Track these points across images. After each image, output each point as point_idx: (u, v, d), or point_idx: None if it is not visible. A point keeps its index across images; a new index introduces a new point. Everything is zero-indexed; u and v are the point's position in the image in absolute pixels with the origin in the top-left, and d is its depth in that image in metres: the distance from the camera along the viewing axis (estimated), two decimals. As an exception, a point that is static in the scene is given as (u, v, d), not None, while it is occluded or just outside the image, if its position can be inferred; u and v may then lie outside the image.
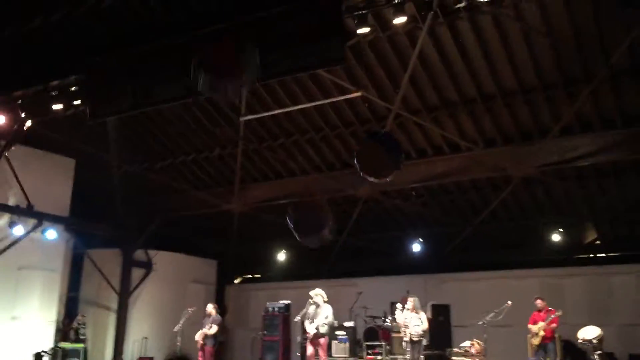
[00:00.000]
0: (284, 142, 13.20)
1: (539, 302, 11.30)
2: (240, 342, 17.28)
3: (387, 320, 13.14)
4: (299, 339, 12.83)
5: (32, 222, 13.42)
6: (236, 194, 14.46)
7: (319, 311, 10.32)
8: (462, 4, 8.20)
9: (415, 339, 10.67)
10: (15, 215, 13.08)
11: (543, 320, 10.98)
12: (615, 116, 10.57)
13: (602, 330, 11.17)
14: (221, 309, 15.11)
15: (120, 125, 12.96)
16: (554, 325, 10.94)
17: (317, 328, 10.20)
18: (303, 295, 11.06)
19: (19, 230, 13.07)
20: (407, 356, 10.68)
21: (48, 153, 13.98)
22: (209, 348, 11.90)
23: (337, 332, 12.87)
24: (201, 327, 12.10)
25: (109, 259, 15.87)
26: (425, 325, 10.79)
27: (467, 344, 11.80)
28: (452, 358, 11.94)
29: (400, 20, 8.14)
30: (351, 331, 13.17)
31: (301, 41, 7.37)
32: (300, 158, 13.58)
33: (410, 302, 11.01)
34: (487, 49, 9.92)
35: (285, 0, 7.50)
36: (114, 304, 15.68)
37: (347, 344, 12.98)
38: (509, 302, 11.03)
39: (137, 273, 16.09)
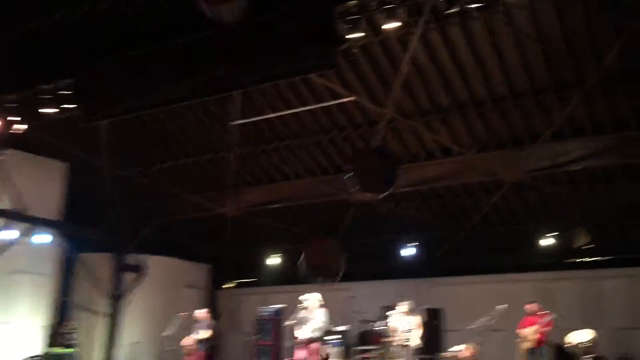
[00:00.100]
0: (277, 146, 13.22)
1: (529, 307, 11.33)
2: (232, 346, 17.24)
3: (380, 324, 13.14)
4: (291, 343, 12.81)
5: (24, 226, 13.38)
6: (229, 198, 14.46)
7: (311, 316, 10.31)
8: (454, 10, 8.27)
9: (407, 343, 10.68)
10: (7, 219, 13.04)
11: (536, 324, 11.01)
12: (606, 121, 10.65)
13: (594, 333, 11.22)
14: (214, 314, 15.07)
15: (113, 129, 12.91)
16: (548, 328, 10.96)
17: (308, 333, 10.19)
18: (296, 300, 11.04)
19: (10, 234, 13.01)
20: (400, 360, 10.69)
21: (40, 157, 13.96)
22: (201, 353, 11.88)
23: (329, 337, 12.87)
24: (193, 332, 12.06)
25: (101, 263, 15.81)
26: (418, 329, 10.80)
27: (460, 347, 11.82)
28: (442, 362, 11.97)
29: (392, 25, 8.19)
30: (344, 335, 13.17)
31: (294, 46, 7.41)
32: (294, 162, 13.59)
33: (403, 306, 11.03)
34: (479, 54, 9.98)
35: (279, 5, 7.55)
36: (105, 309, 15.61)
37: (340, 349, 12.98)
38: (504, 306, 11.06)
39: (129, 277, 16.02)
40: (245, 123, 12.34)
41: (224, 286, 19.22)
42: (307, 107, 11.71)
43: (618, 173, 12.14)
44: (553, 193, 13.17)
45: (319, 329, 10.31)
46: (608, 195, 12.79)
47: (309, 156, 13.38)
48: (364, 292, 14.73)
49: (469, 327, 11.11)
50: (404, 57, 9.77)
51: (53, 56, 9.49)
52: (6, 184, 12.73)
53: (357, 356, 12.83)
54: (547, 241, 14.28)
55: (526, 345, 11.01)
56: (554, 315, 10.97)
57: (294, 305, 10.96)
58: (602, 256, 14.52)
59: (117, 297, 15.58)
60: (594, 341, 11.11)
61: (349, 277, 16.21)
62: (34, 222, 13.48)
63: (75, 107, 9.65)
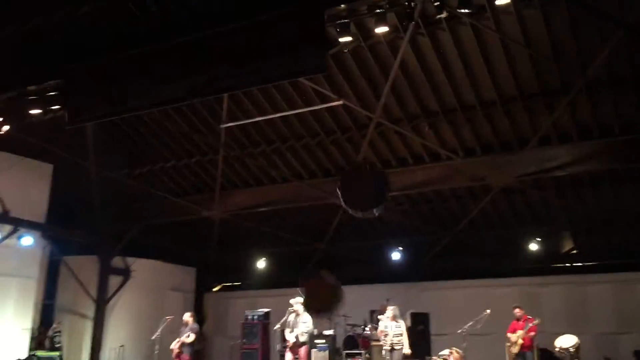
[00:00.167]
0: (265, 150, 13.18)
1: (517, 311, 11.39)
2: (219, 350, 17.16)
3: (366, 328, 13.13)
4: (278, 347, 12.75)
5: (7, 228, 13.22)
6: (216, 201, 14.39)
7: (299, 320, 10.28)
8: (443, 15, 8.29)
9: (399, 348, 10.66)
10: (-10, 221, 12.91)
11: (522, 329, 11.08)
12: (592, 127, 10.73)
13: (579, 338, 11.31)
14: (200, 317, 15.00)
15: (99, 130, 12.83)
16: (532, 333, 11.04)
17: (297, 337, 10.16)
18: (282, 303, 11.02)
19: (-6, 236, 12.88)
20: (386, 364, 10.67)
21: (25, 158, 13.77)
22: (185, 356, 11.80)
23: (316, 341, 12.82)
24: (178, 335, 12.00)
25: (86, 266, 15.68)
26: (404, 334, 10.79)
27: (445, 352, 11.84)
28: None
29: (382, 29, 8.20)
30: (331, 339, 13.11)
31: (283, 49, 7.38)
32: (281, 165, 13.56)
33: (390, 310, 11.03)
34: (467, 60, 10.02)
35: (268, 8, 7.53)
36: (90, 312, 15.47)
37: (327, 353, 12.93)
38: (488, 311, 11.12)
39: (114, 280, 15.90)
40: (232, 126, 12.30)
41: (214, 289, 19.12)
42: (296, 111, 11.68)
43: (604, 179, 12.26)
44: (540, 198, 13.25)
45: (307, 332, 10.28)
46: (594, 200, 12.90)
47: (297, 160, 13.36)
48: (352, 296, 14.59)
49: (457, 331, 11.15)
50: (394, 62, 9.79)
51: (39, 57, 9.39)
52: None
53: (344, 360, 12.80)
54: (533, 246, 14.37)
55: (514, 349, 11.05)
56: (537, 321, 11.03)
57: (281, 309, 10.92)
58: (587, 261, 14.65)
59: (102, 300, 15.45)
60: (578, 346, 11.20)
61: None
62: (18, 224, 13.32)
63: (61, 108, 9.55)
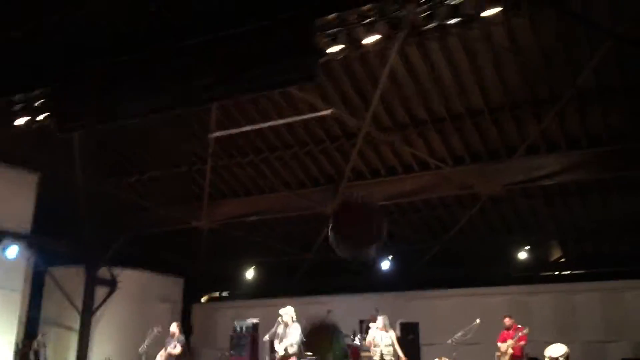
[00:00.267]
0: (254, 159, 13.12)
1: (507, 320, 11.38)
2: (207, 361, 16.99)
3: (356, 338, 13.05)
4: (267, 359, 12.63)
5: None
6: (205, 211, 14.28)
7: (288, 331, 10.19)
8: (432, 25, 8.31)
9: (385, 357, 10.61)
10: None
11: (512, 338, 11.06)
12: (580, 136, 10.79)
13: (568, 347, 11.30)
14: (187, 328, 14.83)
15: (86, 140, 12.70)
16: (522, 342, 11.03)
17: (286, 348, 10.06)
18: (271, 314, 10.91)
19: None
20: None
21: (10, 167, 13.62)
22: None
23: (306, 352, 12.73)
24: (164, 347, 11.85)
25: (71, 277, 15.48)
26: (395, 343, 10.74)
27: (436, 361, 11.81)
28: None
29: (371, 39, 8.19)
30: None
31: (274, 58, 7.36)
32: (270, 175, 13.50)
33: (380, 320, 10.97)
34: (456, 69, 10.05)
35: (258, 18, 7.50)
36: (76, 324, 15.26)
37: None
38: (478, 321, 11.09)
39: (100, 291, 15.72)
40: (221, 136, 12.22)
41: (202, 300, 18.97)
42: (285, 120, 11.64)
43: (592, 188, 12.31)
44: (528, 207, 13.29)
45: (296, 343, 10.19)
46: (582, 209, 12.95)
47: (286, 169, 13.31)
48: (341, 305, 14.61)
49: (447, 342, 11.10)
50: (383, 71, 9.80)
51: (26, 65, 9.30)
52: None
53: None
54: (522, 255, 14.40)
55: (504, 359, 11.03)
56: (526, 330, 11.02)
57: (269, 320, 10.83)
58: (576, 270, 14.70)
59: (88, 312, 15.25)
60: (568, 355, 11.18)
61: (325, 290, 16.17)
62: (2, 235, 13.13)
63: (50, 115, 9.45)
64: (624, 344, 12.94)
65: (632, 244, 13.48)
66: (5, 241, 13.27)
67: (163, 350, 11.73)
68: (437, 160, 11.78)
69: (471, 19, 8.74)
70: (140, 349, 11.86)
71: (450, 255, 14.80)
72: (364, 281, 15.89)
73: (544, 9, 8.67)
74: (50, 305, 15.74)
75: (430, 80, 10.32)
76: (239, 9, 7.78)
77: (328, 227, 6.87)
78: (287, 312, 10.31)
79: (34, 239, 14.20)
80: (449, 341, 11.08)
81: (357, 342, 12.92)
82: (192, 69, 7.80)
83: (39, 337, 14.41)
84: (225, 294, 19.22)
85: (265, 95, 11.00)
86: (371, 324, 11.55)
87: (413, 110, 11.14)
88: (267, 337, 10.56)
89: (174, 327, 12.12)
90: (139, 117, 9.02)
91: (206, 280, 18.04)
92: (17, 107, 9.59)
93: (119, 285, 16.02)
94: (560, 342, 11.39)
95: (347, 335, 13.35)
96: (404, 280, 15.36)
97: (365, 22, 7.95)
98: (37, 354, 13.97)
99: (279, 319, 10.30)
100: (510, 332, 11.22)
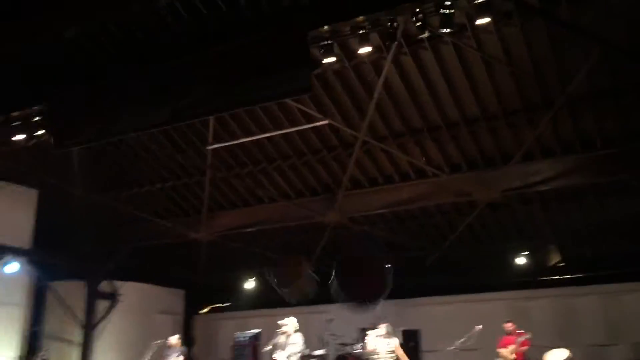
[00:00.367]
0: (252, 170, 13.19)
1: (508, 326, 11.42)
2: (209, 373, 17.00)
3: (358, 347, 13.05)
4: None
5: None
6: (204, 223, 14.34)
7: (289, 341, 10.23)
8: (425, 35, 8.43)
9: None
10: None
11: (513, 344, 11.08)
12: (574, 141, 10.87)
13: (569, 351, 11.33)
14: (189, 340, 14.84)
15: (84, 154, 12.78)
16: (524, 347, 11.05)
17: (287, 358, 10.10)
18: (273, 324, 10.96)
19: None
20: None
21: (9, 184, 13.70)
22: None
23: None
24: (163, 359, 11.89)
25: (72, 291, 15.51)
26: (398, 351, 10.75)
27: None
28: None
29: (365, 50, 8.31)
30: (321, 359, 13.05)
31: (268, 71, 7.46)
32: (268, 185, 13.57)
33: (383, 327, 11.00)
34: (450, 78, 10.15)
35: (252, 30, 7.61)
36: (78, 338, 15.29)
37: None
38: (479, 327, 11.12)
39: (102, 305, 15.76)
40: (219, 147, 12.32)
41: (203, 311, 18.97)
42: (282, 131, 11.74)
43: (588, 192, 12.38)
44: (525, 212, 13.35)
45: (297, 353, 10.23)
46: (579, 213, 13.01)
47: (284, 179, 13.38)
48: (342, 314, 14.63)
49: (448, 348, 11.14)
50: (378, 81, 9.90)
51: (17, 85, 9.39)
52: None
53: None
54: (521, 260, 14.45)
55: (505, 364, 11.07)
56: (529, 335, 11.06)
57: (271, 330, 10.87)
58: (575, 274, 14.73)
59: (89, 326, 15.28)
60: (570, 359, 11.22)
61: (326, 299, 16.16)
62: (3, 251, 13.18)
63: (45, 133, 9.53)
64: (624, 347, 12.97)
65: (630, 246, 13.51)
66: (6, 257, 13.32)
67: (163, 361, 11.79)
68: (434, 168, 11.86)
69: (463, 28, 8.91)
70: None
71: (449, 262, 14.83)
72: (364, 289, 15.89)
73: (534, 19, 8.79)
74: (52, 320, 15.76)
75: (425, 89, 10.41)
76: (233, 22, 7.90)
77: (330, 279, 6.93)
78: (290, 323, 10.36)
79: (34, 254, 14.26)
80: (451, 348, 11.11)
81: (358, 350, 12.92)
82: (187, 83, 7.90)
83: (42, 352, 14.42)
84: (226, 304, 19.22)
85: (261, 107, 11.09)
86: (369, 332, 11.57)
87: (409, 119, 11.23)
88: (268, 347, 10.59)
89: (175, 339, 12.16)
90: (134, 132, 9.12)
91: (207, 291, 18.05)
92: (15, 123, 9.69)
93: (120, 298, 16.06)
94: (561, 347, 11.45)
95: (348, 344, 13.37)
96: (402, 288, 15.36)
97: (358, 33, 8.08)
98: (39, 368, 13.99)
99: (280, 329, 10.34)
100: (512, 337, 11.25)
